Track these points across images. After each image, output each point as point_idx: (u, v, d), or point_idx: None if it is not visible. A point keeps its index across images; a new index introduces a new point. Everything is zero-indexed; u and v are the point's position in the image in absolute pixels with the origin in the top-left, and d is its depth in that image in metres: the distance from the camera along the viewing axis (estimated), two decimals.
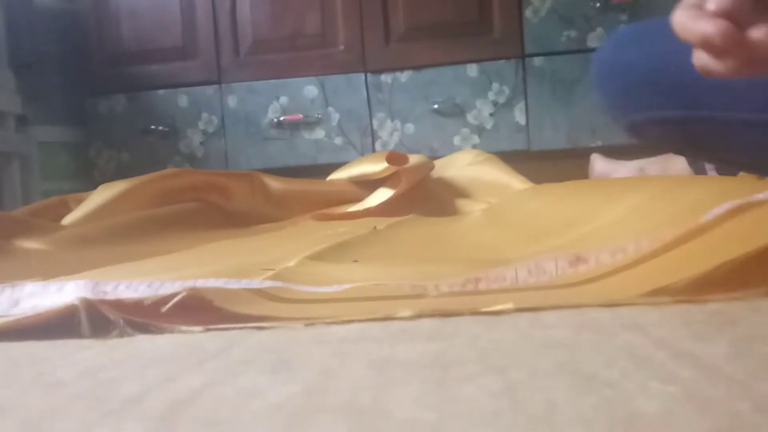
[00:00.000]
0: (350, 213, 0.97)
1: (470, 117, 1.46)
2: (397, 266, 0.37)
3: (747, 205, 0.27)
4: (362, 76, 1.49)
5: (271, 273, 0.33)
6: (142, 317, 0.24)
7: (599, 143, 1.43)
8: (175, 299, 0.24)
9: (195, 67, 1.54)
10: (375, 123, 1.49)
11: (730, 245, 0.25)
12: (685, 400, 0.14)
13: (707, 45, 0.35)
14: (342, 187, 1.06)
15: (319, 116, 1.50)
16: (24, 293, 0.28)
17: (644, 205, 0.34)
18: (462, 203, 0.99)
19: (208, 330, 0.24)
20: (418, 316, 0.24)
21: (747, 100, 0.47)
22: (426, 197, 1.03)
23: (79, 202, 0.95)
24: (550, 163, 1.46)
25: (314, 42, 1.51)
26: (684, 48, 0.40)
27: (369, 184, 1.04)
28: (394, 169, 0.99)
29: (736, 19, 0.35)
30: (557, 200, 0.58)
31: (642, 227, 0.31)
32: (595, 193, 0.42)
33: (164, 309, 0.24)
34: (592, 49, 1.46)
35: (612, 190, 0.41)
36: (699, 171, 0.74)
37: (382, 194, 0.99)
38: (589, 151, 1.40)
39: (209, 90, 1.53)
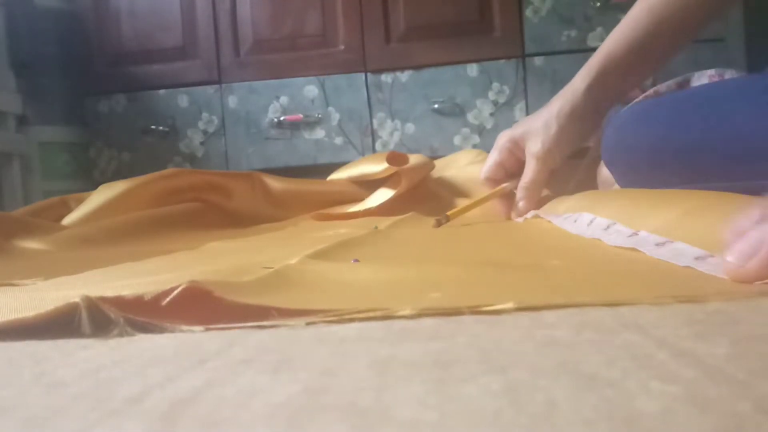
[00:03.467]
0: (351, 213, 0.97)
1: (470, 117, 1.46)
2: (398, 266, 0.37)
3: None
4: (362, 76, 1.49)
5: (271, 270, 0.33)
6: (143, 316, 0.24)
7: None
8: (175, 292, 0.24)
9: (195, 67, 1.54)
10: (375, 123, 1.49)
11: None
12: (686, 400, 0.14)
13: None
14: (342, 187, 1.06)
15: (320, 116, 1.50)
16: None
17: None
18: (462, 203, 0.98)
19: (208, 330, 0.24)
20: (419, 315, 0.24)
21: (744, 170, 0.51)
22: (426, 197, 1.03)
23: (79, 202, 0.95)
24: None
25: (314, 42, 1.51)
26: (681, 125, 0.53)
27: (369, 185, 1.04)
28: (394, 169, 0.99)
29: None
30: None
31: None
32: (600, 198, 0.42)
33: (165, 302, 0.24)
34: (593, 49, 1.46)
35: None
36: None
37: (383, 194, 0.98)
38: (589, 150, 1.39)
39: (209, 90, 1.53)
